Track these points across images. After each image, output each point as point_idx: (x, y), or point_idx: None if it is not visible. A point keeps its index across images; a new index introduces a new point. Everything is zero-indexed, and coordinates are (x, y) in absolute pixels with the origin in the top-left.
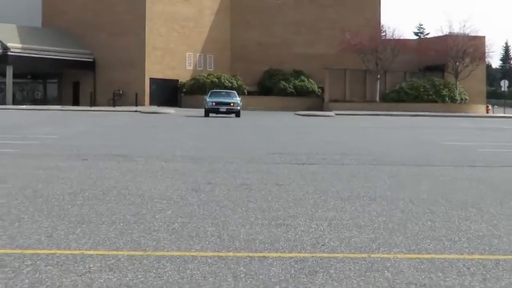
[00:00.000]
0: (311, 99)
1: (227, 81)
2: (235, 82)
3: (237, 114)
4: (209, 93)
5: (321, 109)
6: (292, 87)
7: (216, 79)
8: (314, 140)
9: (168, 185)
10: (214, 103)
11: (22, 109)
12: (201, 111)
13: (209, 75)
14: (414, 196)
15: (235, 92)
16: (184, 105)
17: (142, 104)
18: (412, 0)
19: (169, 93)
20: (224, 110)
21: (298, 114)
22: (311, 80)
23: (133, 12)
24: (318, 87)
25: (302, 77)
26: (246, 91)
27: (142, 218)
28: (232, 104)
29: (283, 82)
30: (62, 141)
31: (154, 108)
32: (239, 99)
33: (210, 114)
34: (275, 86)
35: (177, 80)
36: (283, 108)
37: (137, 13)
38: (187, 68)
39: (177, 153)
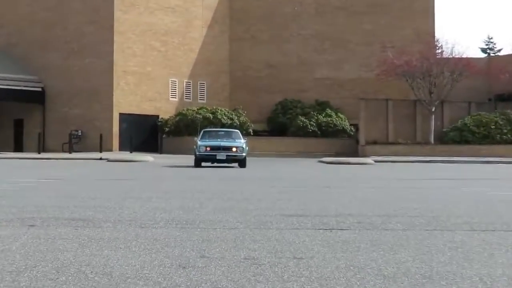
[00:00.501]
0: (341, 141)
1: (225, 117)
2: (236, 118)
3: (242, 163)
4: (201, 133)
5: (355, 154)
6: (314, 124)
7: (210, 114)
8: (346, 198)
9: (145, 259)
10: (208, 148)
11: None
12: (190, 159)
13: (200, 108)
14: (485, 272)
15: (237, 131)
16: (166, 149)
17: (109, 149)
18: (477, 5)
19: (146, 134)
20: (223, 157)
21: (323, 162)
22: (340, 115)
23: (97, 23)
24: (351, 124)
25: (328, 111)
26: (251, 131)
27: None
28: (234, 148)
29: (302, 118)
30: (0, 201)
31: (126, 155)
32: (244, 141)
33: (203, 163)
34: (292, 124)
35: (157, 116)
36: (302, 153)
37: (102, 25)
38: (171, 99)
39: (157, 215)
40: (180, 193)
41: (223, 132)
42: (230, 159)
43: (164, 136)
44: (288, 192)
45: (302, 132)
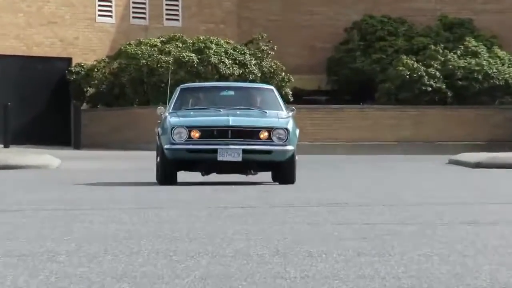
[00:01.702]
0: (502, 113)
1: (228, 61)
2: (253, 63)
3: (284, 171)
4: (177, 95)
5: None
6: (438, 74)
7: (192, 55)
8: None
9: None
10: (196, 133)
11: None
12: (149, 163)
13: (169, 41)
14: None
15: (271, 88)
16: (91, 139)
17: None
18: None
19: (42, 104)
20: (235, 158)
21: (461, 163)
22: (499, 52)
23: None
24: None
25: (471, 43)
26: (289, 92)
27: None
28: (264, 133)
29: (408, 60)
30: None
31: None
32: (290, 114)
33: (182, 175)
34: (384, 74)
35: (68, 61)
36: (410, 144)
37: None
38: (99, 21)
39: None
40: (118, 246)
41: (232, 92)
42: (253, 162)
43: (84, 107)
44: (379, 236)
45: (410, 94)
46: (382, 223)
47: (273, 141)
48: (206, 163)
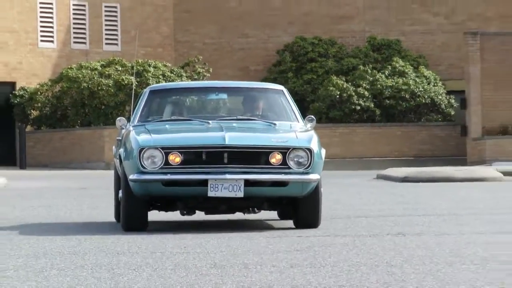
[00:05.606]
0: (428, 130)
1: (165, 83)
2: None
3: (309, 208)
4: (143, 99)
5: (459, 159)
6: (367, 94)
7: (131, 78)
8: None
9: None
10: (176, 156)
11: None
12: (91, 180)
13: (109, 65)
14: None
15: (282, 91)
16: (33, 158)
17: None
18: None
19: None
20: (238, 193)
21: (389, 177)
22: (425, 72)
23: None
24: (448, 93)
25: (398, 63)
26: None
27: None
28: (277, 156)
29: (338, 81)
30: None
31: None
32: (309, 127)
33: (154, 214)
34: (315, 94)
35: (11, 85)
36: (341, 160)
37: None
38: (42, 46)
39: None
40: (64, 261)
41: (225, 95)
42: (260, 199)
43: (28, 129)
44: (311, 248)
45: (340, 113)
46: (314, 236)
47: (290, 167)
48: (190, 199)
